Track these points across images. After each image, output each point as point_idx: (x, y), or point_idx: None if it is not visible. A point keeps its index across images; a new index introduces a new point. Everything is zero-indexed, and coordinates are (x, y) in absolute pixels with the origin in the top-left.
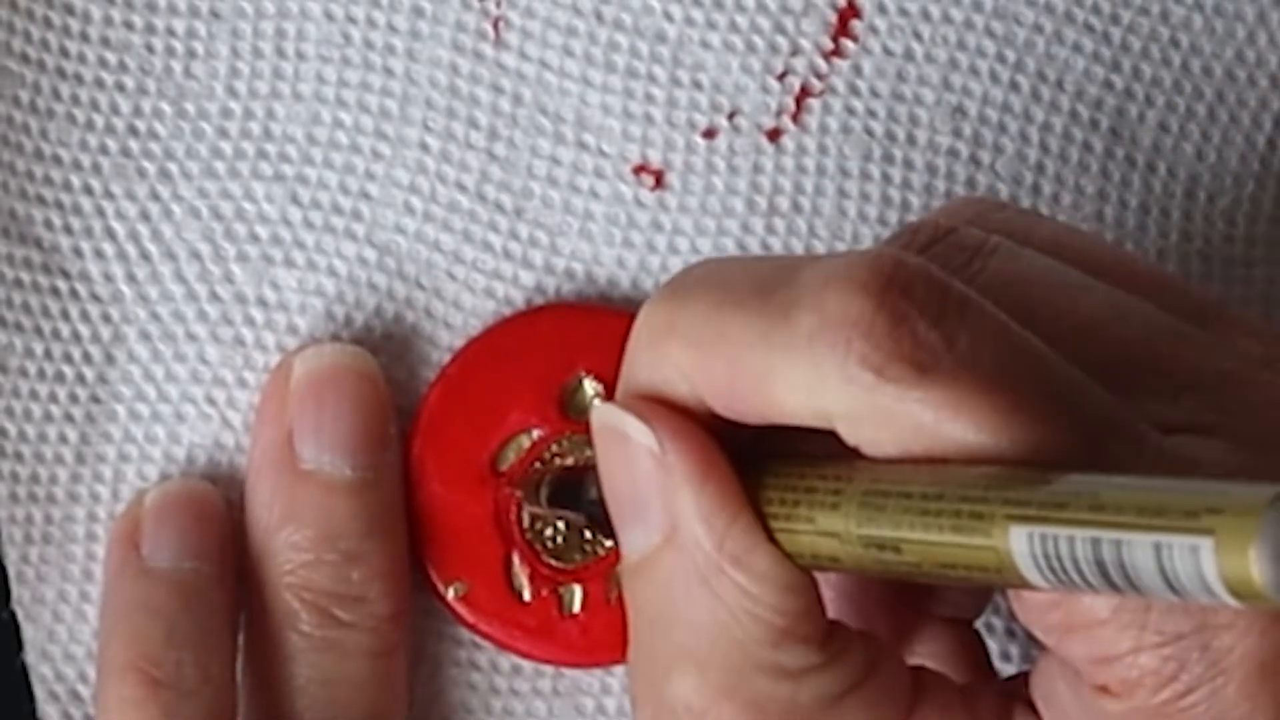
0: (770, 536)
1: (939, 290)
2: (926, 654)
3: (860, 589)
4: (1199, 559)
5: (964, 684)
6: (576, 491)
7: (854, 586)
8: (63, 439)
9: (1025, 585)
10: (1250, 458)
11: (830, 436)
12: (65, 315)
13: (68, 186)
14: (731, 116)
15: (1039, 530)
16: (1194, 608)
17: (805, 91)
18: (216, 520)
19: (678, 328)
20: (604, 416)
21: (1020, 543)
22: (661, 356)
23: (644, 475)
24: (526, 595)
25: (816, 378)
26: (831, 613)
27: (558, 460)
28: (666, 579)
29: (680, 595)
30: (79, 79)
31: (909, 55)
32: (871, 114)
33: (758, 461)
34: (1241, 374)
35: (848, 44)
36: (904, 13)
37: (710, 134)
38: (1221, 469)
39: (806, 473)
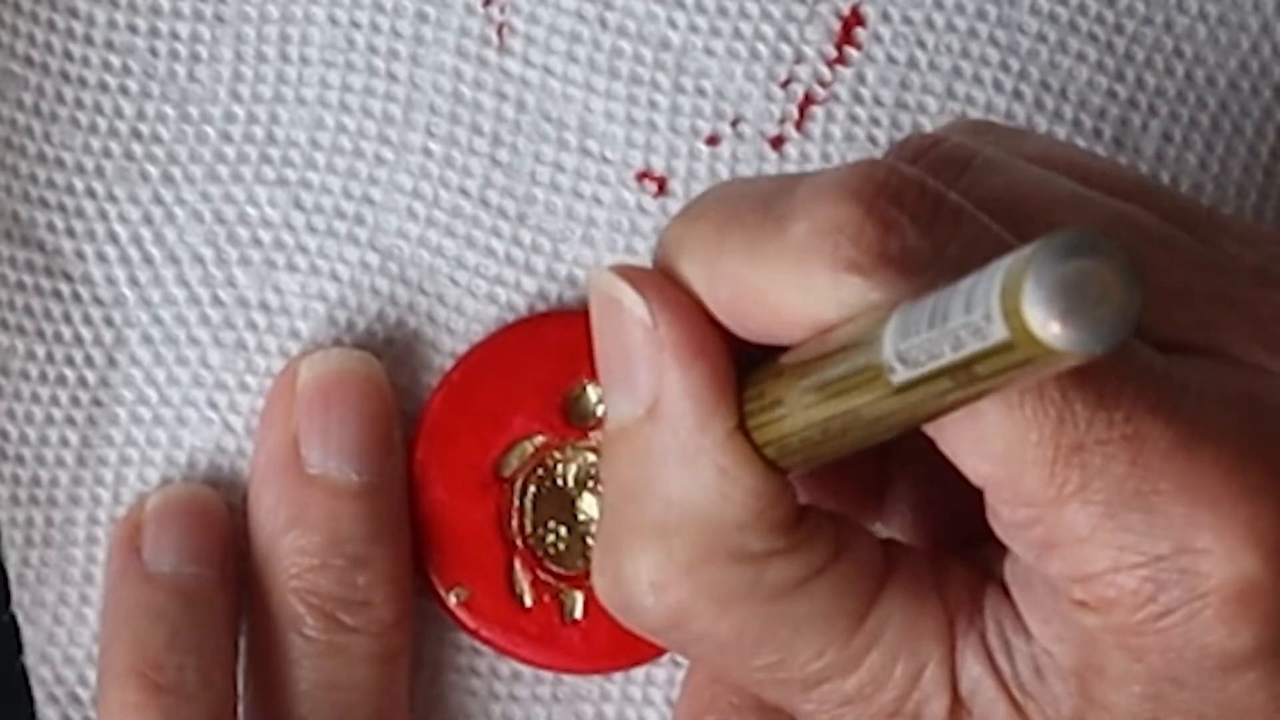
0: (757, 424)
1: (932, 198)
2: (899, 526)
3: (832, 466)
4: (994, 277)
5: (935, 557)
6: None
7: (826, 464)
8: (64, 442)
9: (896, 394)
10: (1239, 378)
11: None
12: (67, 318)
13: (70, 190)
14: (735, 123)
15: (908, 306)
16: (1173, 529)
17: (809, 99)
18: (218, 525)
19: (685, 248)
20: (602, 282)
21: (892, 323)
22: (676, 275)
23: (634, 345)
24: (528, 601)
25: (808, 285)
26: (804, 497)
27: (560, 466)
28: (644, 450)
29: (655, 469)
30: (82, 82)
31: (913, 63)
32: (875, 122)
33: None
34: (1232, 289)
35: (851, 51)
36: (908, 20)
37: (713, 141)
38: (1213, 389)
39: (768, 365)
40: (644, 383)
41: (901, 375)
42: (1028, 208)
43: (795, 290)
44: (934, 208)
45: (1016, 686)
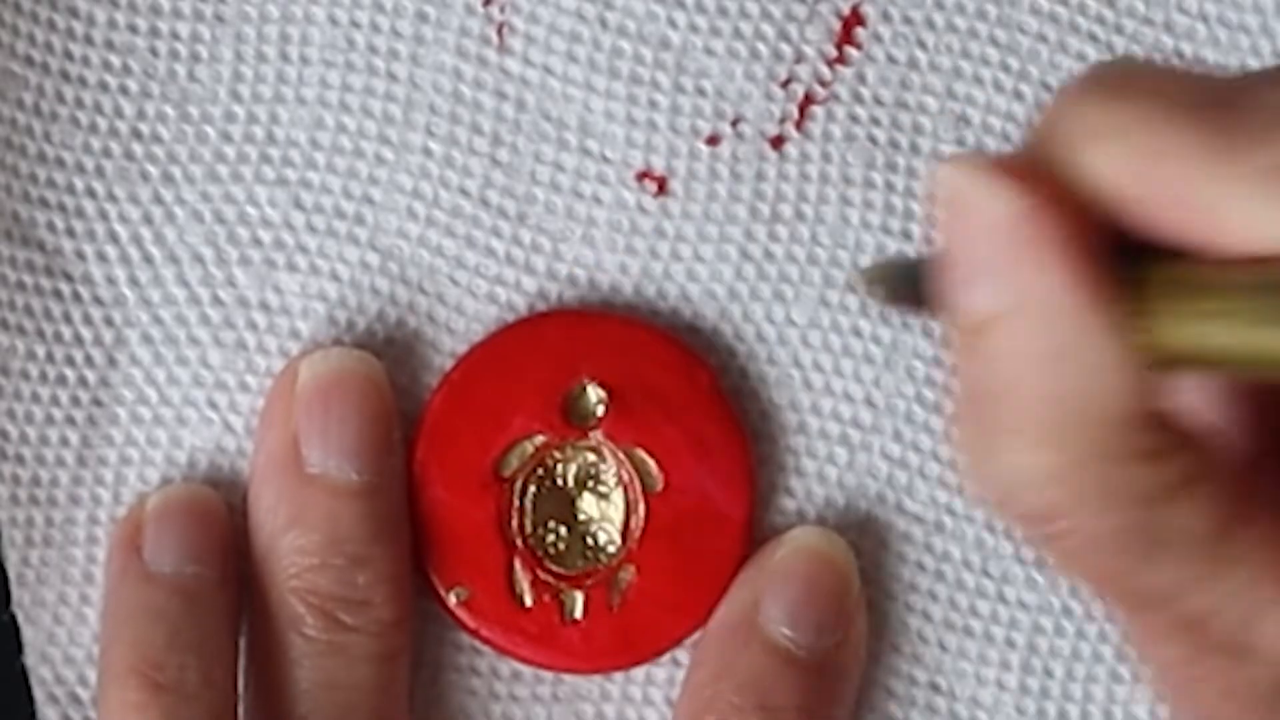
0: (1131, 322)
1: None
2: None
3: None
4: None
5: None
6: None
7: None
8: (64, 442)
9: None
10: None
11: None
12: (67, 318)
13: (71, 189)
14: (735, 123)
15: None
16: None
17: (809, 99)
18: (219, 524)
19: (1118, 132)
20: (962, 172)
21: None
22: (1085, 157)
23: (1001, 236)
24: (528, 601)
25: (1273, 216)
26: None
27: (560, 466)
28: (1013, 346)
29: (1030, 366)
30: (83, 82)
31: (913, 63)
32: (875, 122)
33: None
34: None
35: (852, 51)
36: (908, 20)
37: (714, 141)
38: None
39: (1180, 269)
40: (1013, 274)
41: None
42: None
43: (1258, 218)
44: None
45: None
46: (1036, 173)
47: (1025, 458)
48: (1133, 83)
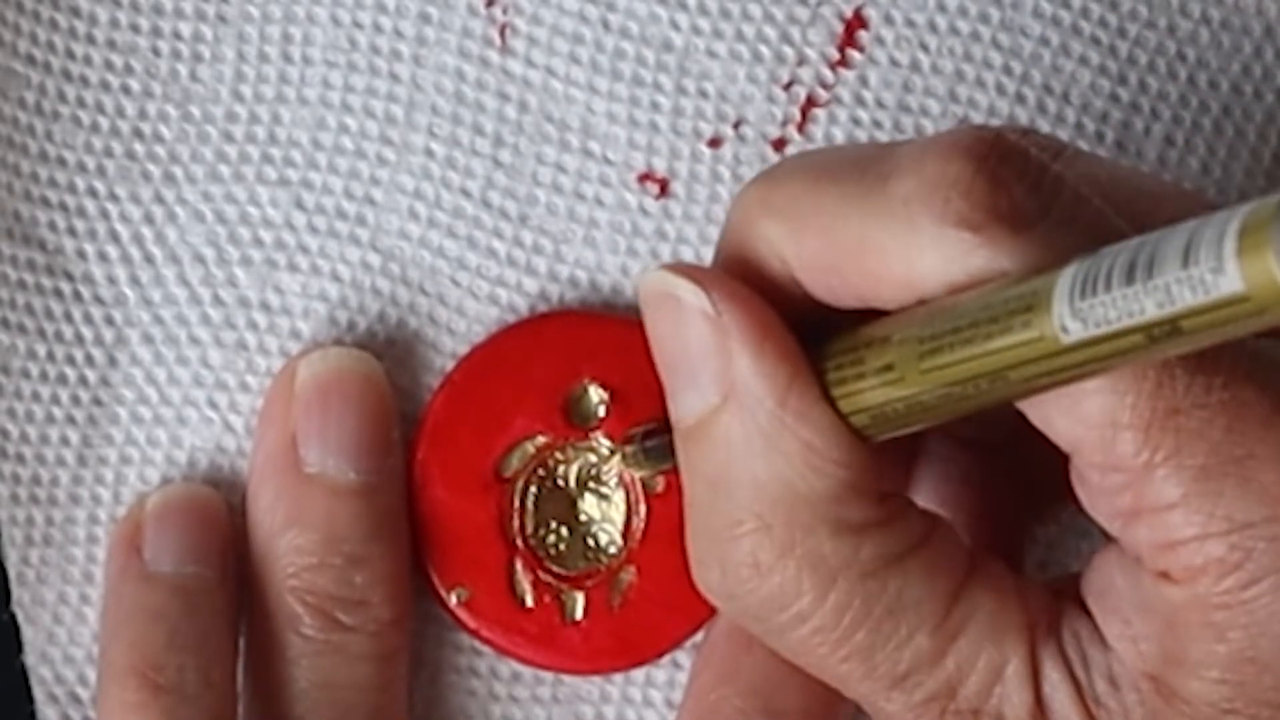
0: (828, 396)
1: (1036, 163)
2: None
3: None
4: (1223, 231)
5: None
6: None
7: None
8: (64, 441)
9: (1060, 353)
10: None
11: None
12: (68, 318)
13: (72, 189)
14: (737, 126)
15: (1084, 263)
16: (1266, 496)
17: (811, 101)
18: (218, 524)
19: (772, 205)
20: (655, 283)
21: (1064, 280)
22: (754, 234)
23: (697, 338)
24: (529, 601)
25: (912, 241)
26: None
27: (561, 467)
28: (724, 440)
29: (740, 455)
30: (85, 81)
31: (915, 66)
32: (877, 125)
33: (820, 337)
34: None
35: (854, 54)
36: (910, 24)
37: (715, 143)
38: None
39: (861, 332)
40: (714, 372)
41: (1077, 335)
42: (1120, 191)
43: (898, 246)
44: (1039, 171)
45: (1091, 698)
46: (720, 272)
47: (744, 546)
48: (788, 163)
